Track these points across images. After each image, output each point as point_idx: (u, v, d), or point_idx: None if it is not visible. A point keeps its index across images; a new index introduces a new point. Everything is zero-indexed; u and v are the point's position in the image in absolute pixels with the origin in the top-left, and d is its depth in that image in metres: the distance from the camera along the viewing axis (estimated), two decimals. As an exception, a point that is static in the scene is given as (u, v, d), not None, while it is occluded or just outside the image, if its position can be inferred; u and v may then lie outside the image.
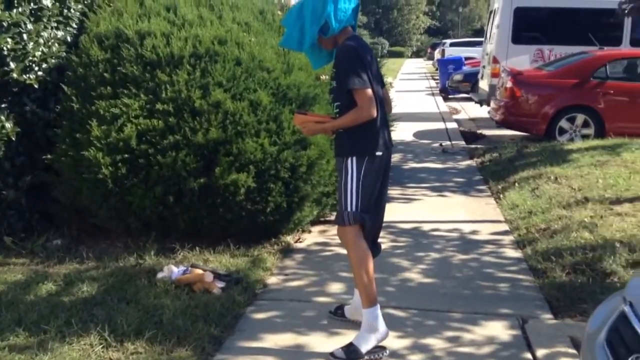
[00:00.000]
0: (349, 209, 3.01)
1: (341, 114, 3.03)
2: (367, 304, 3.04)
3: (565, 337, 3.17)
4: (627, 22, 10.78)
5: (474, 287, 3.87)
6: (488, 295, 3.75)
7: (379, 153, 3.05)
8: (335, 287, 3.90)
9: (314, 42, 3.11)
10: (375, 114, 2.98)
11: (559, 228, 4.67)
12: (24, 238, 4.62)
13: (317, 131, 3.23)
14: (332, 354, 3.01)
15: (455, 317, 3.44)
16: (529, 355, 3.03)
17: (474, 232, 4.99)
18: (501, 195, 5.99)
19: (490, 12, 13.36)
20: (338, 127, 3.05)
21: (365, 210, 3.04)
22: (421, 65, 39.58)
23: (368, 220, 3.07)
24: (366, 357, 2.99)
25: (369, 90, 2.95)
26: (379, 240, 3.38)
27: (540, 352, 3.02)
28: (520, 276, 4.04)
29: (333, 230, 5.06)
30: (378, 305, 3.07)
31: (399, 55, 51.14)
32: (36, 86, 4.70)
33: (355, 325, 3.24)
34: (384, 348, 3.04)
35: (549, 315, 3.45)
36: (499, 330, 3.28)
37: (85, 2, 5.27)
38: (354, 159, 3.01)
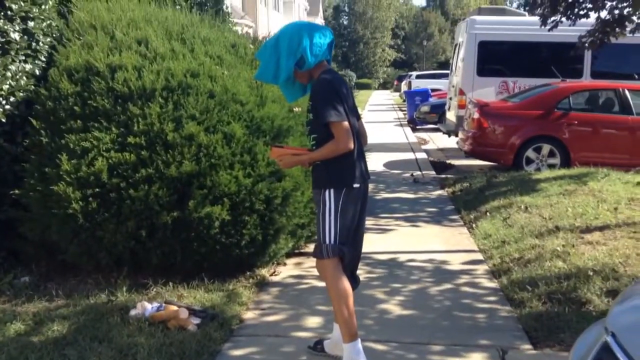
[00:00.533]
0: (327, 242, 3.00)
1: (318, 146, 3.04)
2: (348, 338, 3.01)
3: (545, 367, 3.17)
4: (588, 55, 11.17)
5: (452, 318, 3.86)
6: (467, 326, 3.74)
7: (356, 185, 3.06)
8: (313, 321, 3.84)
9: (289, 75, 3.12)
10: (352, 147, 2.99)
11: (533, 257, 4.72)
12: (-10, 276, 4.46)
13: (294, 164, 3.23)
14: None
15: (436, 349, 3.42)
16: (510, 387, 3.01)
17: (449, 262, 5.01)
18: (474, 225, 6.04)
19: (455, 45, 13.69)
20: (315, 159, 3.05)
21: (343, 243, 3.03)
22: (388, 97, 40.17)
23: (347, 253, 3.05)
24: None
25: (346, 123, 2.97)
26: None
27: (521, 383, 3.01)
28: (498, 306, 4.04)
29: (308, 262, 5.02)
30: (359, 340, 3.04)
31: (367, 87, 51.90)
32: (3, 120, 4.60)
33: (336, 359, 3.19)
34: None
35: (528, 346, 3.45)
36: (480, 361, 3.26)
37: (54, 35, 5.21)
38: (332, 191, 3.01)
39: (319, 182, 3.08)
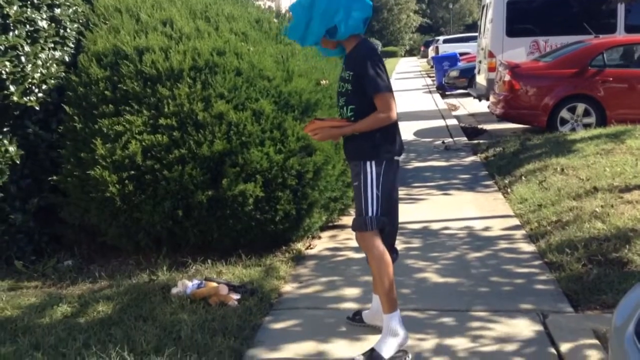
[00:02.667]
0: (370, 214, 2.96)
1: (357, 118, 2.98)
2: (389, 309, 3.02)
3: (588, 330, 3.14)
4: (621, 9, 10.79)
5: (491, 284, 3.84)
6: (506, 291, 3.72)
7: (397, 158, 3.05)
8: (351, 292, 3.87)
9: (317, 41, 3.06)
10: (396, 118, 2.95)
11: (571, 219, 4.65)
12: (35, 261, 4.60)
13: (332, 136, 3.14)
14: None
15: (476, 315, 3.41)
16: (552, 351, 3.00)
17: (485, 229, 4.97)
18: (509, 190, 5.97)
19: (483, 6, 13.37)
20: (358, 130, 2.97)
21: (384, 214, 3.01)
22: (415, 63, 39.61)
23: (388, 224, 3.04)
24: None
25: (391, 94, 2.93)
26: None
27: (564, 347, 2.99)
28: (537, 270, 4.01)
29: (343, 234, 5.04)
30: (398, 310, 3.05)
31: (393, 55, 51.19)
32: (37, 108, 4.68)
33: (375, 330, 3.22)
34: (406, 352, 3.02)
35: (569, 309, 3.42)
36: (521, 326, 3.25)
37: (81, 21, 5.26)
38: (373, 162, 2.96)
39: (359, 153, 3.01)
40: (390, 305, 3.01)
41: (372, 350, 2.97)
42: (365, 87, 2.91)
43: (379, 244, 3.00)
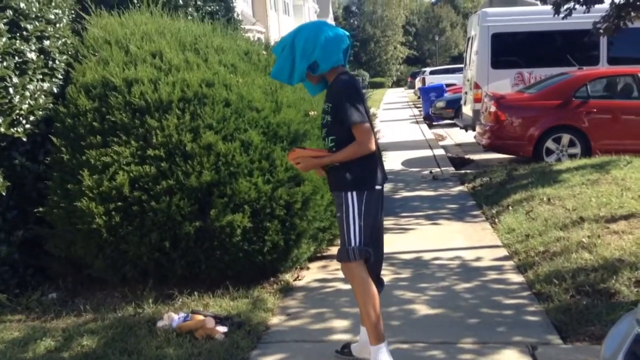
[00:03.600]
0: (352, 244, 2.99)
1: (338, 148, 3.03)
2: (376, 340, 3.00)
3: (577, 361, 3.13)
4: (603, 42, 11.01)
5: (480, 316, 3.83)
6: (495, 323, 3.71)
7: (378, 187, 3.06)
8: (340, 325, 3.83)
9: (303, 78, 3.12)
10: (374, 148, 3.00)
11: (558, 250, 4.66)
12: (19, 294, 4.53)
13: (313, 166, 3.18)
14: None
15: (465, 348, 3.39)
16: (542, 383, 2.98)
17: (473, 259, 4.97)
18: (496, 220, 5.99)
19: (468, 39, 13.60)
20: (337, 161, 3.03)
21: (368, 244, 3.02)
22: (403, 94, 40.02)
23: (372, 254, 3.04)
24: None
25: (368, 125, 2.98)
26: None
27: (554, 379, 2.98)
28: (525, 301, 4.00)
29: (332, 265, 5.01)
30: (386, 342, 3.03)
31: (380, 85, 51.71)
32: (24, 139, 4.67)
33: None
34: None
35: (559, 340, 3.41)
36: (510, 358, 3.23)
37: (70, 52, 5.28)
38: (354, 193, 3.00)
39: (340, 184, 3.06)
40: (377, 337, 3.00)
41: None
42: (342, 119, 2.97)
43: (364, 274, 3.01)
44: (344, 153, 2.99)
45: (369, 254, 3.02)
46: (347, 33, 3.15)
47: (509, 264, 4.79)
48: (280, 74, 3.13)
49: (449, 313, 3.91)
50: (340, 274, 4.68)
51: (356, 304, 3.64)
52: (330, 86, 3.13)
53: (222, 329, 3.72)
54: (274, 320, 3.99)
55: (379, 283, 3.21)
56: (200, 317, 3.79)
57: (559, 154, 8.89)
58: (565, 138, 8.88)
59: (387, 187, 8.41)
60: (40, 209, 4.57)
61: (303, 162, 3.14)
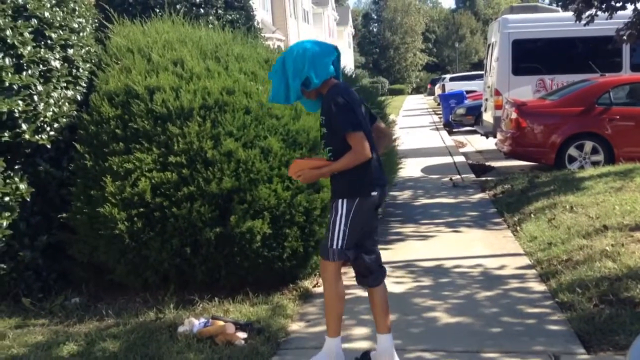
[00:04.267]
0: (334, 247, 3.13)
1: (335, 158, 3.14)
2: (333, 333, 3.22)
3: (601, 371, 3.08)
4: (626, 48, 10.88)
5: (502, 325, 3.79)
6: (517, 332, 3.67)
7: (374, 193, 3.17)
8: (360, 332, 3.82)
9: (299, 95, 3.22)
10: (370, 155, 3.08)
11: (581, 259, 4.60)
12: (42, 298, 4.59)
13: (315, 177, 3.31)
14: None
15: (486, 357, 3.36)
16: (566, 393, 2.94)
17: (495, 267, 4.92)
18: (518, 228, 5.94)
19: (488, 45, 13.53)
20: (336, 170, 3.13)
21: (349, 248, 3.16)
22: (422, 101, 39.93)
23: (351, 257, 3.20)
24: None
25: (361, 133, 3.07)
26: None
27: (577, 389, 2.93)
28: (548, 310, 3.96)
29: (350, 272, 4.97)
30: (340, 337, 3.25)
31: (400, 92, 51.63)
32: (49, 146, 4.74)
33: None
34: None
35: (582, 350, 3.36)
36: (533, 368, 3.20)
37: (93, 61, 5.36)
38: (345, 200, 3.13)
39: (335, 192, 3.21)
40: (335, 330, 3.22)
41: None
42: (336, 129, 3.08)
43: (337, 274, 3.21)
44: (342, 162, 3.09)
45: (347, 258, 3.18)
46: (334, 45, 3.26)
47: (531, 272, 4.74)
48: (277, 96, 3.24)
49: (470, 321, 3.87)
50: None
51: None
52: (323, 99, 3.21)
53: (242, 335, 3.74)
54: (294, 326, 3.99)
55: (374, 278, 3.31)
56: (221, 323, 3.81)
57: (582, 162, 8.78)
58: (588, 145, 8.78)
59: (407, 194, 8.40)
60: (64, 214, 4.64)
61: (304, 174, 3.24)
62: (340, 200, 3.13)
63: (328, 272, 3.19)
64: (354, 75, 7.87)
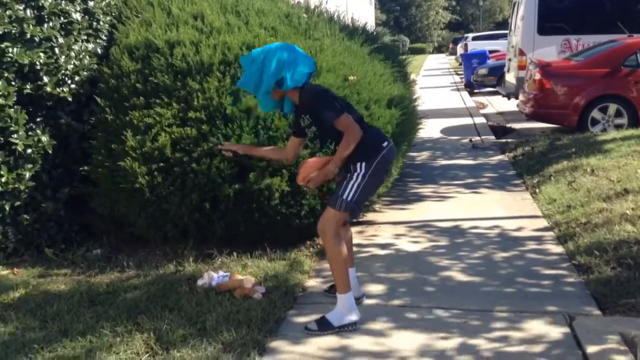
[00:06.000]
0: (344, 197, 3.22)
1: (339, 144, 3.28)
2: (343, 289, 3.28)
3: (616, 333, 3.09)
4: (657, 8, 10.55)
5: (517, 285, 3.81)
6: (532, 292, 3.68)
7: (385, 144, 3.32)
8: (375, 288, 3.87)
9: (268, 90, 3.35)
10: (361, 132, 3.22)
11: (600, 222, 4.57)
12: (65, 249, 4.70)
13: (323, 179, 3.38)
14: (306, 327, 3.31)
15: (501, 316, 3.39)
16: (579, 353, 2.96)
17: (512, 229, 4.91)
18: (537, 190, 5.89)
19: (514, 3, 13.20)
20: (341, 160, 3.25)
21: (359, 204, 3.30)
22: (444, 60, 39.29)
23: (358, 213, 3.39)
24: (337, 329, 3.27)
25: (346, 114, 3.21)
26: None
27: (590, 349, 2.95)
28: (564, 272, 3.96)
29: (368, 231, 5.04)
30: (352, 292, 3.33)
31: (421, 51, 50.84)
32: (70, 99, 4.77)
33: (394, 321, 3.23)
34: (355, 323, 3.30)
35: (597, 312, 3.37)
36: (547, 328, 3.22)
37: (114, 14, 5.34)
38: (363, 163, 3.25)
39: (354, 159, 3.26)
40: (344, 286, 3.29)
41: (323, 317, 3.29)
42: (324, 122, 3.23)
43: (338, 226, 3.28)
44: (342, 151, 3.21)
45: (355, 211, 3.30)
46: (313, 59, 3.44)
47: (548, 234, 4.73)
48: (246, 84, 3.41)
49: (485, 281, 3.90)
50: (377, 240, 4.74)
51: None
52: (300, 102, 3.37)
53: (261, 289, 3.80)
54: (311, 282, 4.05)
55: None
56: (239, 277, 3.88)
57: (605, 124, 8.64)
58: (612, 108, 8.62)
59: (425, 154, 8.36)
60: (85, 167, 4.70)
61: (313, 180, 3.36)
62: (359, 163, 3.24)
63: (330, 223, 3.23)
64: (374, 33, 7.74)
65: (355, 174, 3.23)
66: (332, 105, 3.23)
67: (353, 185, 3.22)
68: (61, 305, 3.71)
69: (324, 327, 3.27)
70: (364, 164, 3.23)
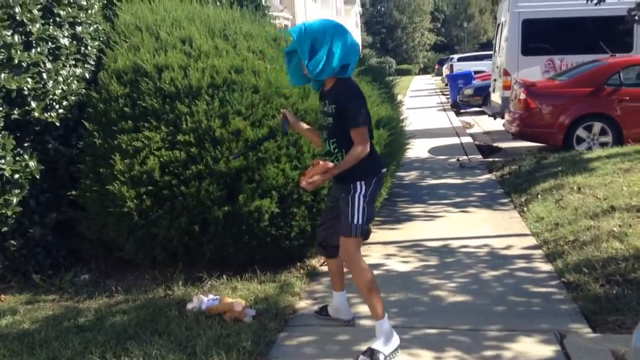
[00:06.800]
0: (355, 222, 3.18)
1: (339, 150, 3.23)
2: (380, 314, 3.20)
3: (606, 350, 3.10)
4: (637, 28, 10.78)
5: (507, 304, 3.82)
6: (522, 311, 3.69)
7: (384, 170, 3.33)
8: (365, 309, 3.80)
9: (322, 70, 3.11)
10: (369, 148, 3.19)
11: (588, 239, 4.61)
12: (52, 275, 4.65)
13: (322, 183, 3.30)
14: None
15: (492, 335, 3.39)
16: (570, 371, 2.97)
17: (501, 247, 4.94)
18: (525, 208, 5.94)
19: (498, 25, 13.41)
20: (343, 168, 3.17)
21: (367, 224, 3.25)
22: (430, 81, 39.68)
23: (369, 231, 3.38)
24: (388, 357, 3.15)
25: (366, 128, 3.16)
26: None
27: (582, 367, 2.96)
28: (554, 290, 3.98)
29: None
30: (386, 315, 3.26)
31: (407, 73, 51.29)
32: (58, 124, 4.76)
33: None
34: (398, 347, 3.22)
35: (587, 329, 3.39)
36: (538, 346, 3.22)
37: (102, 39, 5.36)
38: (363, 182, 3.20)
39: (348, 177, 3.21)
40: (380, 312, 3.21)
41: (370, 349, 3.16)
42: (346, 121, 3.12)
43: (359, 250, 3.25)
44: (351, 160, 3.14)
45: (367, 233, 3.27)
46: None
47: (537, 252, 4.76)
48: (302, 53, 3.10)
49: (476, 300, 3.90)
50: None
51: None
52: (334, 89, 3.21)
53: (251, 312, 3.78)
54: (301, 304, 4.03)
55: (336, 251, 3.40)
56: (229, 300, 3.85)
57: (590, 143, 8.75)
58: (597, 126, 8.74)
59: (413, 174, 8.40)
60: (73, 192, 4.68)
61: (314, 183, 3.20)
62: (358, 182, 3.20)
63: (352, 249, 3.18)
64: (362, 55, 7.83)
65: (356, 195, 3.18)
66: (361, 112, 3.12)
67: (358, 208, 3.17)
68: (49, 331, 3.66)
69: (375, 357, 3.12)
70: (363, 184, 3.19)
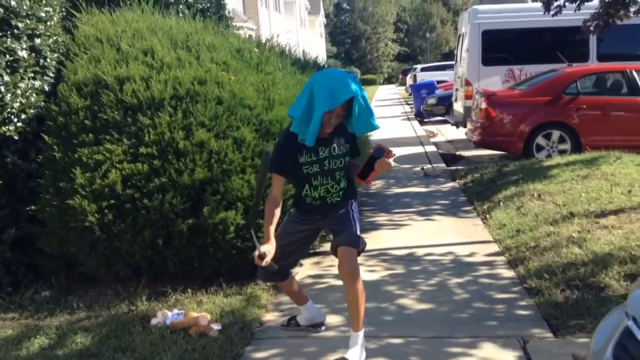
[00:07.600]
0: (359, 234, 3.23)
1: (346, 179, 3.30)
2: (361, 327, 3.16)
3: (567, 354, 3.17)
4: (593, 39, 11.07)
5: (471, 310, 3.87)
6: (487, 317, 3.75)
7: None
8: (334, 320, 3.86)
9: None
10: None
11: (549, 245, 4.71)
12: (12, 292, 4.53)
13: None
14: None
15: (457, 342, 3.43)
16: (533, 376, 3.02)
17: (465, 254, 5.01)
18: (487, 216, 6.04)
19: (459, 36, 13.65)
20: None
21: None
22: (394, 91, 40.08)
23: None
24: None
25: None
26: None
27: (544, 372, 3.02)
28: (516, 296, 4.05)
29: (325, 262, 5.04)
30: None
31: (372, 82, 51.77)
32: (16, 137, 4.66)
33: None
34: None
35: (549, 334, 3.45)
36: (502, 352, 3.27)
37: (61, 50, 5.27)
38: (354, 201, 3.35)
39: (350, 195, 3.33)
40: (361, 323, 3.18)
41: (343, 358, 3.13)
42: (353, 149, 3.30)
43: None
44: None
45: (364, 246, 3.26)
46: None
47: (500, 259, 4.84)
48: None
49: (441, 308, 3.94)
50: (334, 270, 4.73)
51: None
52: (337, 127, 3.16)
53: (216, 326, 3.74)
54: (268, 316, 4.01)
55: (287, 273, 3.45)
56: (194, 314, 3.81)
57: (549, 150, 8.95)
58: (556, 134, 8.95)
59: (379, 183, 8.46)
60: (33, 207, 4.57)
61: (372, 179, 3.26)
62: (351, 201, 3.32)
63: (356, 260, 3.15)
64: (326, 66, 7.87)
65: (353, 212, 3.29)
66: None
67: (356, 221, 3.26)
68: (9, 350, 3.56)
69: None
70: (354, 202, 3.35)
